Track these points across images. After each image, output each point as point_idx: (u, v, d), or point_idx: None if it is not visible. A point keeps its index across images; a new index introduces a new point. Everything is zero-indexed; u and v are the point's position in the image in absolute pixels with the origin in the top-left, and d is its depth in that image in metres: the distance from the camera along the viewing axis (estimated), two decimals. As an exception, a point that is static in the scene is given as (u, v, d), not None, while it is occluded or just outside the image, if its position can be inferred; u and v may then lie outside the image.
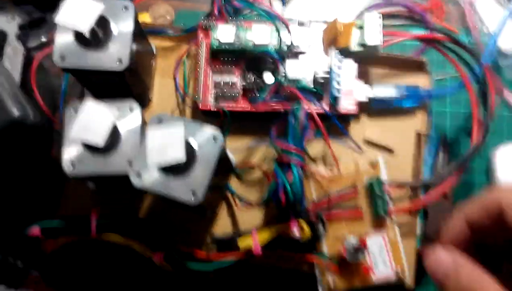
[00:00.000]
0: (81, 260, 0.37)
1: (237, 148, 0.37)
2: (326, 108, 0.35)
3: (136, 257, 0.35)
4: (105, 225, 0.34)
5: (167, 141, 0.27)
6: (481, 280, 0.21)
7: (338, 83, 0.35)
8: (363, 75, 0.38)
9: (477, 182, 0.41)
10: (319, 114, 0.33)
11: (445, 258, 0.23)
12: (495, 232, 0.24)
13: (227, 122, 0.36)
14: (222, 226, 0.37)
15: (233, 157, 0.37)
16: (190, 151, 0.29)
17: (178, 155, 0.27)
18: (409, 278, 0.34)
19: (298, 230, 0.33)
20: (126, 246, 0.34)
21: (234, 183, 0.37)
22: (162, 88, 0.39)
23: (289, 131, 0.33)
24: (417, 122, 0.38)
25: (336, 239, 0.35)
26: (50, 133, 0.40)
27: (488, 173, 0.41)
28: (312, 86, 0.35)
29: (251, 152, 0.38)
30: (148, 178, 0.29)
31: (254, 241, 0.33)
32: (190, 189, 0.29)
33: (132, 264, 0.36)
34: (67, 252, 0.36)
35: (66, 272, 0.37)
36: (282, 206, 0.32)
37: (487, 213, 0.23)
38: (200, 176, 0.29)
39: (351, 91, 0.36)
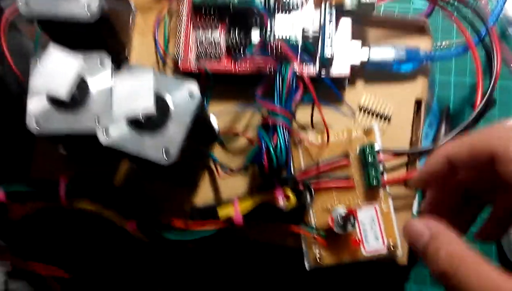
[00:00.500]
0: (50, 229, 0.34)
1: (220, 113, 0.35)
2: (317, 69, 0.32)
3: (109, 227, 0.32)
4: (76, 191, 0.32)
5: (135, 91, 0.25)
6: (461, 253, 0.19)
7: (331, 42, 0.32)
8: (359, 37, 0.35)
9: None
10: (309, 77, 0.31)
11: (421, 228, 0.20)
12: (479, 177, 0.23)
13: (210, 84, 0.33)
14: (203, 196, 0.34)
15: (217, 123, 0.34)
16: (163, 106, 0.27)
17: (147, 105, 0.24)
18: (401, 253, 0.31)
19: (283, 198, 0.31)
20: (98, 215, 0.32)
21: (218, 152, 0.35)
22: (141, 48, 0.36)
23: (275, 92, 0.30)
24: (417, 89, 0.35)
25: (325, 210, 0.32)
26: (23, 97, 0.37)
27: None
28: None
29: (235, 117, 0.35)
30: (117, 134, 0.27)
31: (236, 209, 0.31)
32: (162, 146, 0.26)
33: (105, 233, 0.34)
34: (35, 219, 0.33)
35: (33, 242, 0.34)
36: (265, 171, 0.29)
37: (473, 156, 0.21)
38: (174, 134, 0.27)
39: (345, 52, 0.33)
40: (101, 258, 0.37)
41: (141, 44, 0.36)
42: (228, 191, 0.34)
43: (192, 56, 0.34)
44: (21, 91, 0.37)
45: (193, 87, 0.27)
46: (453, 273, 0.18)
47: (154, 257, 0.37)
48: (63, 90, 0.26)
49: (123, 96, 0.25)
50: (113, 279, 0.38)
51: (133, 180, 0.34)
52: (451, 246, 0.19)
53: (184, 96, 0.27)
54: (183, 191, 0.34)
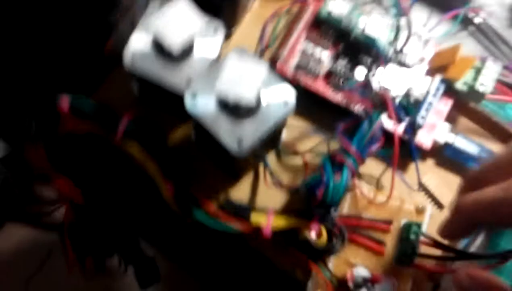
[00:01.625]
0: (88, 156, 0.34)
1: (291, 127, 0.34)
2: (402, 131, 0.32)
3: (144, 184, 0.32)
4: (133, 133, 0.32)
5: (243, 77, 0.25)
6: None
7: (427, 111, 0.32)
8: (450, 120, 0.34)
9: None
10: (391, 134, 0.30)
11: None
12: None
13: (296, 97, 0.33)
14: (240, 194, 0.34)
15: (284, 134, 0.34)
16: (256, 99, 0.27)
17: (249, 96, 0.24)
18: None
19: (316, 233, 0.30)
20: (141, 166, 0.32)
21: (270, 160, 0.35)
22: (246, 31, 0.36)
23: (357, 134, 0.30)
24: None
25: (345, 262, 0.32)
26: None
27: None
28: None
29: (302, 137, 0.35)
30: (202, 105, 0.27)
31: (269, 221, 0.31)
32: (237, 136, 0.26)
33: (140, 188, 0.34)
34: (81, 143, 0.34)
35: (67, 161, 0.34)
36: (313, 202, 0.29)
37: None
38: (254, 130, 0.27)
39: (434, 127, 0.33)
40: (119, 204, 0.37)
41: (248, 27, 0.36)
42: (265, 201, 0.34)
43: (292, 62, 0.34)
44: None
45: (290, 95, 0.27)
46: None
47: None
48: (175, 43, 0.26)
49: (230, 76, 0.25)
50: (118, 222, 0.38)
51: (187, 149, 0.34)
52: None
53: (279, 99, 0.27)
54: (225, 179, 0.34)
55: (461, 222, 0.23)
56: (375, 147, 0.31)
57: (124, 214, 0.37)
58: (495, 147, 0.34)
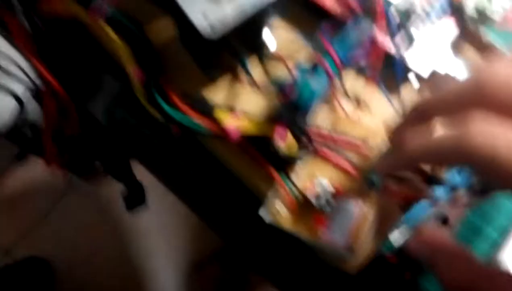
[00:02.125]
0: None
1: (279, 35, 0.32)
2: (398, 50, 0.29)
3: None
4: (111, 19, 0.31)
5: None
6: None
7: (426, 28, 0.29)
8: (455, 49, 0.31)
9: (487, 231, 0.35)
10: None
11: None
12: None
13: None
14: (216, 95, 0.32)
15: (270, 41, 0.32)
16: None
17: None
18: (356, 260, 0.29)
19: (282, 138, 0.28)
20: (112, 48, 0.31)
21: (253, 65, 0.33)
22: None
23: (341, 38, 0.28)
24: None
25: (312, 176, 0.30)
26: None
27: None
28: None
29: (289, 44, 0.33)
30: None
31: (236, 122, 0.29)
32: (210, 18, 0.25)
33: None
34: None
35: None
36: (282, 100, 0.27)
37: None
38: (228, 14, 0.25)
39: (434, 53, 0.30)
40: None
41: None
42: (239, 102, 0.32)
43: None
44: None
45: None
46: None
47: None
48: None
49: None
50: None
51: (167, 42, 0.33)
52: None
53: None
54: (203, 79, 0.32)
55: (402, 162, 0.21)
56: (359, 55, 0.28)
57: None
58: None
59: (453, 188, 0.33)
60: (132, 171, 0.54)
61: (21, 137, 0.40)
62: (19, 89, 0.40)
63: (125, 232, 1.20)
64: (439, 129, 0.18)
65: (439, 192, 0.33)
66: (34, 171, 1.23)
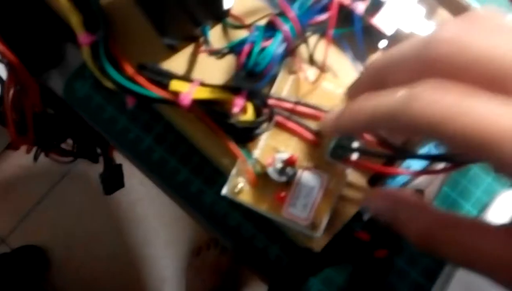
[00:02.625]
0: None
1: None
2: (359, 6, 0.27)
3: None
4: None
5: None
6: None
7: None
8: (427, 11, 0.29)
9: (465, 207, 0.33)
10: (343, 7, 0.26)
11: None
12: None
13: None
14: (174, 64, 0.31)
15: (231, 1, 0.30)
16: None
17: None
18: (319, 236, 0.27)
19: (240, 108, 0.27)
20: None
21: (215, 33, 0.31)
22: None
23: (300, -1, 0.26)
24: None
25: (274, 150, 0.28)
26: None
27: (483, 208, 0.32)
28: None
29: (254, 8, 0.31)
30: None
31: (190, 89, 0.27)
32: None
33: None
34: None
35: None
36: (236, 66, 0.25)
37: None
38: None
39: (401, 11, 0.28)
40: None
41: None
42: (198, 73, 0.30)
43: None
44: None
45: None
46: None
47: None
48: None
49: None
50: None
51: (121, 7, 0.31)
52: None
53: None
54: (161, 48, 0.30)
55: (354, 125, 0.19)
56: (320, 18, 0.26)
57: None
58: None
59: (429, 161, 0.31)
60: (110, 152, 0.53)
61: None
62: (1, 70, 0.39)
63: (123, 218, 1.19)
64: (388, 94, 0.17)
65: (414, 165, 0.31)
66: (26, 156, 1.22)
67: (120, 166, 0.54)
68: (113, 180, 0.54)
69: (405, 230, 0.17)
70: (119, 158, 0.52)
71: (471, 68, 0.15)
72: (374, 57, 0.30)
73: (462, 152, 0.16)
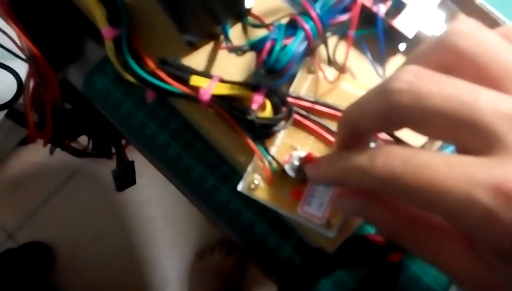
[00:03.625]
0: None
1: (263, -1, 0.30)
2: (381, 8, 0.28)
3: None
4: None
5: None
6: None
7: (414, -12, 0.27)
8: (448, 16, 0.29)
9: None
10: (365, 8, 0.26)
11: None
12: None
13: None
14: (194, 60, 0.31)
15: (252, 0, 0.30)
16: None
17: None
18: (333, 236, 0.27)
19: (259, 104, 0.27)
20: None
21: (236, 30, 0.31)
22: None
23: (323, -2, 0.26)
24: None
25: (291, 148, 0.28)
26: None
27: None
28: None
29: (274, 8, 0.31)
30: None
31: (210, 85, 0.27)
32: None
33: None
34: None
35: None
36: (257, 64, 0.26)
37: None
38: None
39: (421, 15, 0.28)
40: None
41: None
42: (218, 70, 0.31)
43: None
44: None
45: None
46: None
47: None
48: None
49: None
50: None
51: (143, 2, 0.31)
52: None
53: None
54: (178, 41, 0.31)
55: (326, 179, 0.22)
56: (342, 17, 0.27)
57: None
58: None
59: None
60: (122, 149, 0.53)
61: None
62: (19, 67, 0.40)
63: (129, 218, 1.20)
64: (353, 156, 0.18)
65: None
66: (38, 153, 1.23)
67: (132, 163, 0.55)
68: (125, 177, 0.55)
69: (376, 227, 0.18)
70: (131, 155, 0.52)
71: (427, 117, 0.16)
72: (396, 62, 0.30)
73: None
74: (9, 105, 0.41)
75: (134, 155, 0.50)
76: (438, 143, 0.29)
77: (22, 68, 0.39)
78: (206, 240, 1.16)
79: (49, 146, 0.44)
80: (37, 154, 1.21)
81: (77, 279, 1.16)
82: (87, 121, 0.45)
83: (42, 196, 1.22)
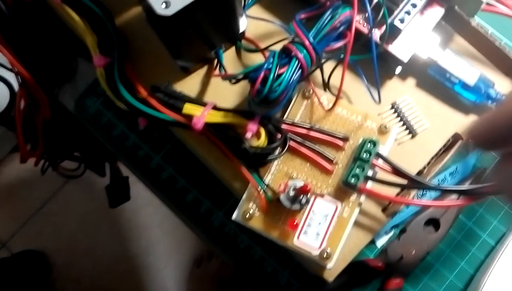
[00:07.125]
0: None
1: (256, 22, 0.30)
2: (376, 34, 0.27)
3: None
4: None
5: None
6: None
7: (408, 14, 0.27)
8: (442, 36, 0.29)
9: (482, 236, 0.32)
10: (360, 34, 0.25)
11: None
12: None
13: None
14: (185, 86, 0.30)
15: (245, 25, 0.30)
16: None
17: None
18: (331, 268, 0.27)
19: (253, 133, 0.26)
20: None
21: (229, 56, 0.31)
22: None
23: (316, 25, 0.26)
24: (464, 124, 0.29)
25: (287, 176, 0.28)
26: None
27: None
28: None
29: (268, 32, 0.30)
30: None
31: (203, 113, 0.27)
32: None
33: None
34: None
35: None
36: (251, 92, 0.25)
37: None
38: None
39: (416, 38, 0.28)
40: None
41: None
42: (212, 96, 0.30)
43: None
44: None
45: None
46: None
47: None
48: None
49: None
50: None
51: (137, 30, 0.31)
52: None
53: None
54: (175, 71, 0.30)
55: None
56: (336, 45, 0.26)
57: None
58: (487, 72, 0.29)
59: (444, 192, 0.30)
60: (116, 164, 0.53)
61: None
62: (12, 76, 0.39)
63: (125, 226, 1.19)
64: None
65: (428, 195, 0.31)
66: (32, 160, 1.22)
67: (126, 178, 0.54)
68: (119, 193, 0.54)
69: None
70: (125, 169, 0.52)
71: None
72: (393, 86, 0.30)
73: None
74: (2, 116, 0.41)
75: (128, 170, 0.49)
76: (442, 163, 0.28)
77: (15, 78, 0.38)
78: (203, 247, 1.15)
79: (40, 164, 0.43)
80: (30, 161, 1.20)
81: (72, 288, 1.14)
82: (79, 139, 0.45)
83: (35, 203, 1.20)
